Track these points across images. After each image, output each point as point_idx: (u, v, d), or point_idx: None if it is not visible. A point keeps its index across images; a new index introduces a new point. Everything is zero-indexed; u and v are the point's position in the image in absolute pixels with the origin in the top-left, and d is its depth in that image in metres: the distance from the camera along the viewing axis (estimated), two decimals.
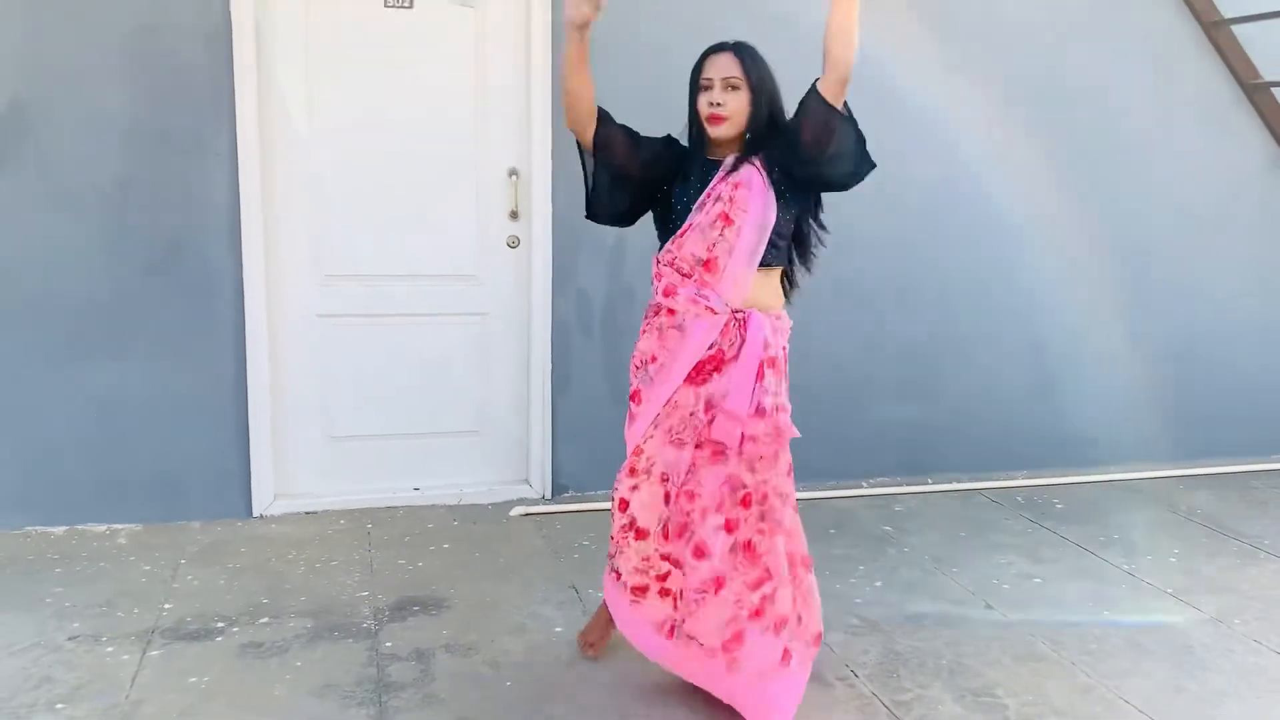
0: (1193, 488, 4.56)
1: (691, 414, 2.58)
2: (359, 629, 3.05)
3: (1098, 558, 3.75)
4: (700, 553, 2.55)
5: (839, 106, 2.46)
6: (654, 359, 2.61)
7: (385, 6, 3.87)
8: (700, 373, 2.56)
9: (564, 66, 2.59)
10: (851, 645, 3.03)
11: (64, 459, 3.73)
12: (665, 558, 2.64)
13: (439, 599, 3.27)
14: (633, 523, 2.68)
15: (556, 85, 3.95)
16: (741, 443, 2.53)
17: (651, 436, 2.62)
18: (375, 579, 3.41)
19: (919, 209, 4.44)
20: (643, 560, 2.68)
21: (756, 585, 2.53)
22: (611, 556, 2.77)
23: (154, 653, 2.88)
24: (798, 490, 4.55)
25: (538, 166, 4.02)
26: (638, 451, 2.65)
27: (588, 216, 2.76)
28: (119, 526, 3.78)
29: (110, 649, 2.90)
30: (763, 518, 2.55)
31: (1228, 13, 4.52)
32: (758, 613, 2.52)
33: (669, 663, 2.70)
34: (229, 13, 3.64)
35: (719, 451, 2.55)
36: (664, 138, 2.69)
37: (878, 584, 3.47)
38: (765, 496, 2.56)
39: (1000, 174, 4.49)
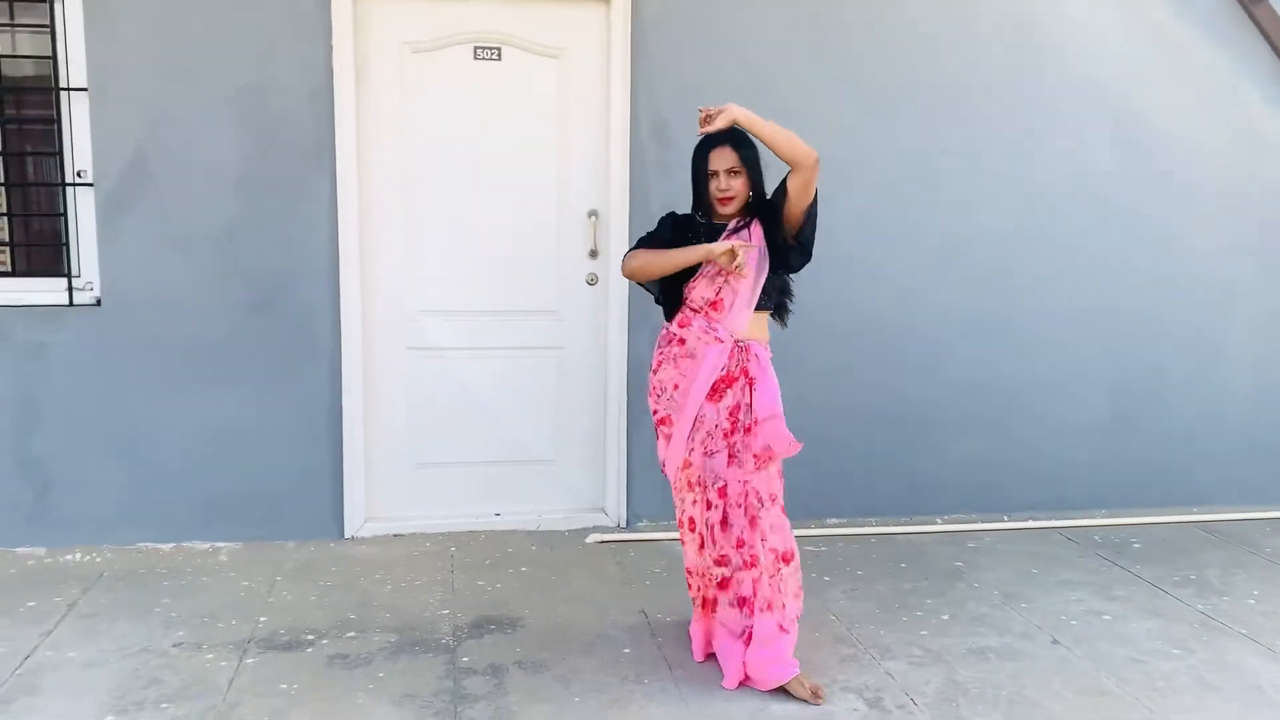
0: None
1: (716, 425, 2.98)
2: (438, 644, 3.23)
3: (1171, 597, 3.71)
4: (740, 542, 2.96)
5: (809, 198, 2.93)
6: (676, 386, 3.03)
7: (475, 59, 4.12)
8: (716, 391, 2.97)
9: (661, 264, 2.99)
10: (913, 675, 3.07)
11: (173, 481, 4.02)
12: (720, 560, 3.01)
13: (515, 618, 3.43)
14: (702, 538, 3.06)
15: (634, 130, 4.15)
16: (742, 451, 2.95)
17: (692, 449, 2.99)
18: (456, 598, 3.59)
19: (992, 250, 4.47)
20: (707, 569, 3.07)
21: (747, 567, 2.96)
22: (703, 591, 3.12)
23: (249, 660, 3.10)
24: (871, 524, 4.61)
25: (615, 208, 4.20)
26: (687, 465, 3.01)
27: (668, 318, 3.12)
28: (221, 544, 4.05)
29: (210, 656, 3.13)
30: (746, 513, 2.95)
31: None
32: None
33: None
34: (331, 70, 3.93)
35: (733, 456, 2.97)
36: (670, 221, 3.12)
37: (944, 617, 3.50)
38: (745, 495, 2.95)
39: (1073, 211, 4.50)
